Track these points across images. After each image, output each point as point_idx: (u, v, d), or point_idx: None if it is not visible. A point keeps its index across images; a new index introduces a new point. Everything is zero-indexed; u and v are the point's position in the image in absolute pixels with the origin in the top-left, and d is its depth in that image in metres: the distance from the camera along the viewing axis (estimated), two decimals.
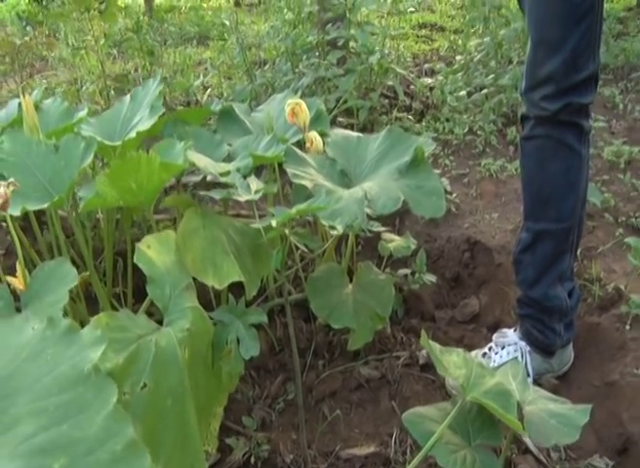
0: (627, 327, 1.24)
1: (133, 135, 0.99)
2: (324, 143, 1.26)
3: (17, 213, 0.84)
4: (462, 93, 2.09)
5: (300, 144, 1.31)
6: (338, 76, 2.10)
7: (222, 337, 0.82)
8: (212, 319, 0.86)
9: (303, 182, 1.04)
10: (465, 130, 2.01)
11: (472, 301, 1.51)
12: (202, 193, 0.96)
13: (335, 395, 1.20)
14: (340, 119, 2.10)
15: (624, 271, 1.38)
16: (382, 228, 1.14)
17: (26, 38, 3.02)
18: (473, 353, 1.26)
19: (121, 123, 1.10)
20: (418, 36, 4.70)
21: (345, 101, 2.04)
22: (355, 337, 1.14)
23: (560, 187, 1.11)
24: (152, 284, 0.77)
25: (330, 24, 2.49)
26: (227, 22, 6.76)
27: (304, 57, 2.18)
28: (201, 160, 0.98)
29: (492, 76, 2.15)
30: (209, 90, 2.53)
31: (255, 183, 0.94)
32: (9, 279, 0.82)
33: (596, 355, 1.25)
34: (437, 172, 1.83)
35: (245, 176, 1.02)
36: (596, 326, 1.29)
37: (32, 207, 0.86)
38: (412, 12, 5.44)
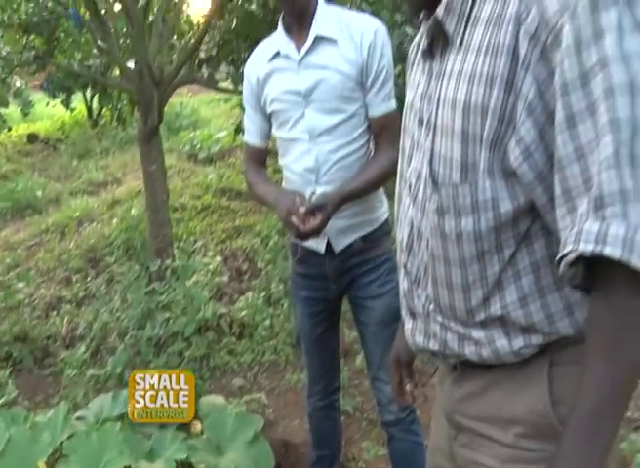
0: None
1: None
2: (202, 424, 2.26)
3: None
4: (267, 322, 3.21)
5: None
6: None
7: None
8: None
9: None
10: (272, 354, 3.12)
11: None
12: None
13: None
14: (186, 353, 3.09)
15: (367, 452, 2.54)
16: None
17: None
18: None
19: None
20: (220, 207, 5.76)
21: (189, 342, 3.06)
22: None
23: (326, 433, 2.22)
24: None
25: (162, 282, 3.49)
26: (40, 193, 7.18)
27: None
28: None
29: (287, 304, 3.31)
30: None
31: None
32: None
33: None
34: (257, 394, 2.89)
35: None
36: None
37: None
38: (211, 179, 6.53)
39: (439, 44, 0.95)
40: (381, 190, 1.88)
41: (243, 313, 3.26)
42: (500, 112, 0.82)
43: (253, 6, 4.11)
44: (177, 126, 9.07)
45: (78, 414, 2.39)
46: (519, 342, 0.91)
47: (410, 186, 1.03)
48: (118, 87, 5.45)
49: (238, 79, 4.50)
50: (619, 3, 0.72)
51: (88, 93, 9.64)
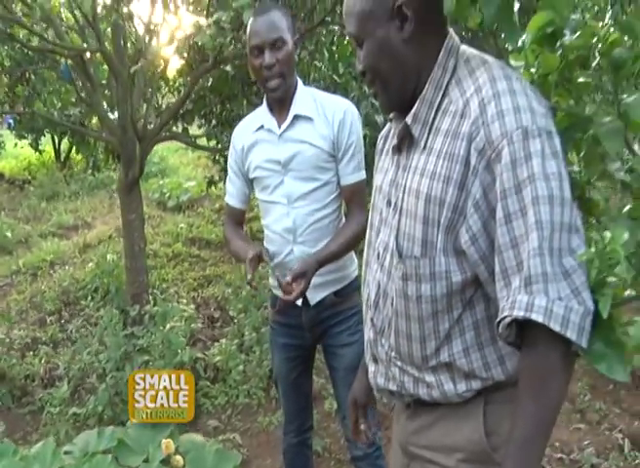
0: None
1: None
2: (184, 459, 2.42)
3: None
4: (240, 367, 3.39)
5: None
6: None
7: None
8: None
9: None
10: (245, 397, 3.29)
11: None
12: None
13: None
14: None
15: None
16: None
17: None
18: None
19: None
20: (190, 256, 5.92)
21: None
22: None
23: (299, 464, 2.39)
24: None
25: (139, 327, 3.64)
26: (9, 234, 7.15)
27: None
28: None
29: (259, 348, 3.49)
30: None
31: None
32: None
33: None
34: (232, 435, 3.04)
35: None
36: None
37: None
38: (181, 227, 6.68)
39: (406, 143, 1.21)
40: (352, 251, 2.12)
41: (217, 358, 3.43)
42: (454, 205, 1.08)
43: (228, 67, 4.39)
44: (145, 173, 9.20)
45: (65, 449, 2.50)
46: (462, 387, 1.15)
47: (378, 255, 1.27)
48: (99, 138, 5.63)
49: (212, 134, 4.76)
50: (542, 136, 1.00)
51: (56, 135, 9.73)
